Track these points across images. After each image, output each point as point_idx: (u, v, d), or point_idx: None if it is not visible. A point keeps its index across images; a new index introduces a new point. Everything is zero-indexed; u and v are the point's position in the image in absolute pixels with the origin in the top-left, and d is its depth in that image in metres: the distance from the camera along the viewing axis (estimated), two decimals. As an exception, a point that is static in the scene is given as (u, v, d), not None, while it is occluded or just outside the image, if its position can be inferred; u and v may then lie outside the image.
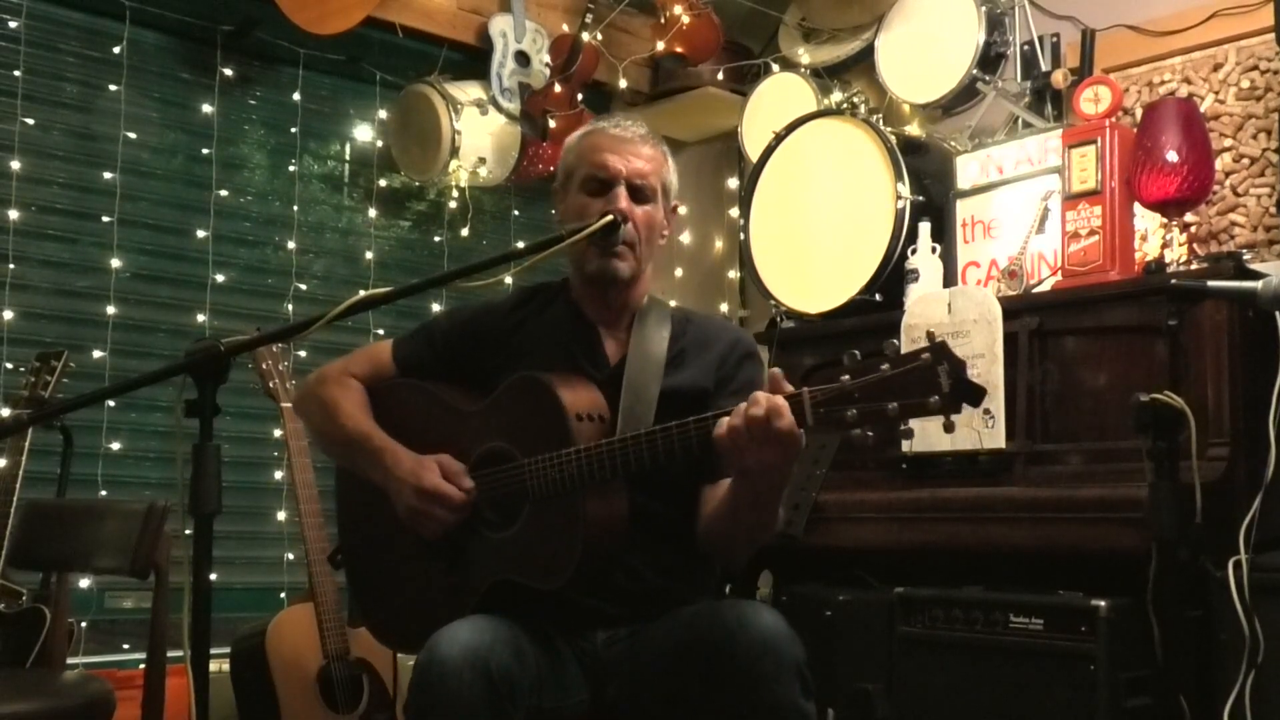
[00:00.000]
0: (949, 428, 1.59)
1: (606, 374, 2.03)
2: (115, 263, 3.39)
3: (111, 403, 3.28)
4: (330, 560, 2.25)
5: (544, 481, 1.88)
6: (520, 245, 2.20)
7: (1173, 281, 2.25)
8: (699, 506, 1.99)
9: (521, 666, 1.78)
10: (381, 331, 3.79)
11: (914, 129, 3.63)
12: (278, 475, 3.56)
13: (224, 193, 3.60)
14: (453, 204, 4.03)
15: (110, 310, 3.37)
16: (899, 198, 3.12)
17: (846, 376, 1.62)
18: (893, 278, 3.12)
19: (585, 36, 3.82)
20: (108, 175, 3.41)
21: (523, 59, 3.83)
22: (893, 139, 3.19)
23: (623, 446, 1.82)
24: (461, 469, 1.98)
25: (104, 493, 3.29)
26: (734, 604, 1.87)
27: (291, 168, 3.77)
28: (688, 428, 1.78)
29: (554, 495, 1.87)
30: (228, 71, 3.63)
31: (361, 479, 2.09)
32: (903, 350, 1.60)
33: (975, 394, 1.57)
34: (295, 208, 3.74)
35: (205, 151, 3.59)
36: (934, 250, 3.09)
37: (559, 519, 1.87)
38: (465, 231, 4.06)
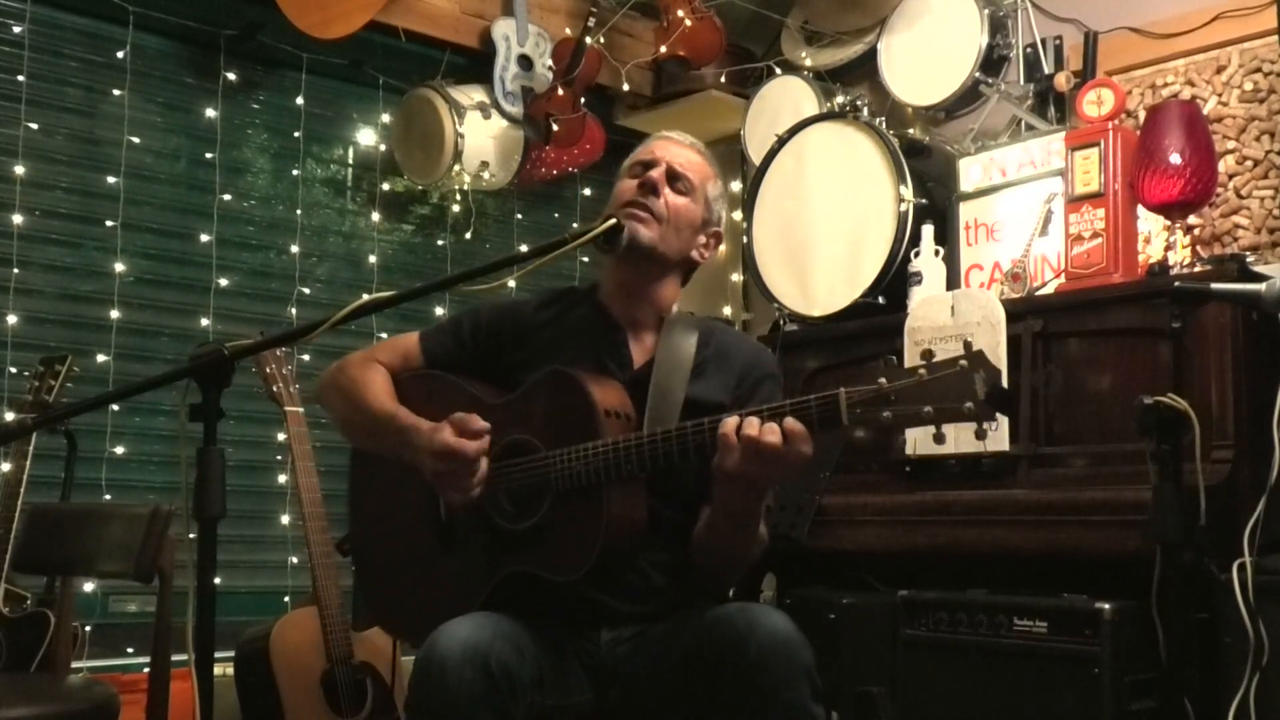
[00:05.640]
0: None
1: (630, 375, 2.05)
2: (119, 267, 3.39)
3: (115, 407, 3.28)
4: (338, 548, 2.25)
5: (569, 474, 1.89)
6: (524, 249, 2.21)
7: (1176, 284, 2.25)
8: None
9: (522, 663, 1.78)
10: (385, 335, 3.78)
11: (917, 132, 3.63)
12: (281, 479, 3.57)
13: (227, 197, 3.60)
14: (456, 208, 4.04)
15: (114, 314, 3.37)
16: (902, 200, 3.12)
17: (883, 380, 1.65)
18: (896, 281, 3.12)
19: (588, 40, 3.82)
20: (111, 180, 3.42)
21: (525, 63, 3.84)
22: (895, 142, 3.19)
23: (651, 441, 1.84)
24: (472, 416, 1.93)
25: (108, 497, 3.29)
26: (743, 608, 1.87)
27: (295, 172, 3.77)
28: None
29: (577, 489, 1.88)
30: (231, 76, 3.64)
31: (376, 466, 2.10)
32: (938, 358, 1.64)
33: (1009, 402, 1.60)
34: (298, 212, 3.75)
35: (209, 156, 3.59)
36: (937, 253, 3.09)
37: (580, 513, 1.89)
38: (468, 235, 4.06)
